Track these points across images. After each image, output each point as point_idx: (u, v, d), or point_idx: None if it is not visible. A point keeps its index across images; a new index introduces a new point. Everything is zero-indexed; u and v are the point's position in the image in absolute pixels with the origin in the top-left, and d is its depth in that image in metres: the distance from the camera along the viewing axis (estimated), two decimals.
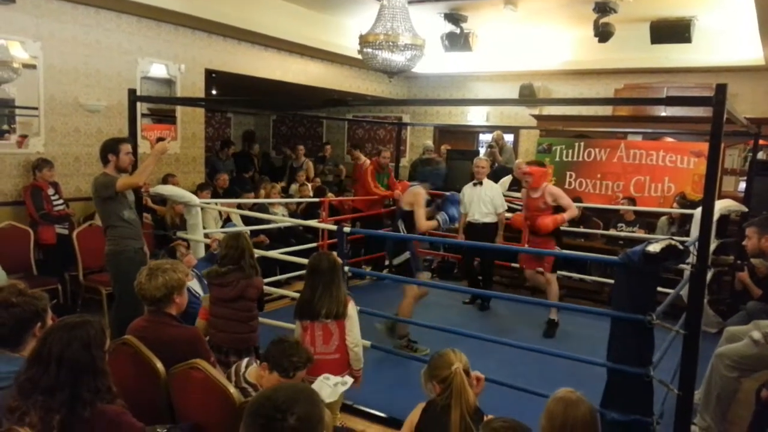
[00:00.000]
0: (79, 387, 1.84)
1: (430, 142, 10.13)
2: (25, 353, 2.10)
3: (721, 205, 4.83)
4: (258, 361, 2.67)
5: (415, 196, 4.60)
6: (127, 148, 4.15)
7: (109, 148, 4.11)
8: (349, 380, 2.36)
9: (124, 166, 4.14)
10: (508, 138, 9.97)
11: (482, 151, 9.90)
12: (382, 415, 3.59)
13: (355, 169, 9.55)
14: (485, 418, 2.11)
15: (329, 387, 2.21)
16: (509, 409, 2.66)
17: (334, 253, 3.27)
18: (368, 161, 7.63)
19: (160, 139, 7.11)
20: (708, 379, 3.45)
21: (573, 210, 5.20)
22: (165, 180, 6.43)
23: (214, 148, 9.93)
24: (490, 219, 5.93)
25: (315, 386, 2.31)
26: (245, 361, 2.69)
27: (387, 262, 5.46)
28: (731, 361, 3.32)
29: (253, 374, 2.55)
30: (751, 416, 3.24)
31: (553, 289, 5.25)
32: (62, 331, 1.90)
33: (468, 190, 6.02)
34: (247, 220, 6.23)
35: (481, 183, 5.97)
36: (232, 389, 2.36)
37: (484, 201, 5.92)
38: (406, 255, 4.64)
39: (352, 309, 3.12)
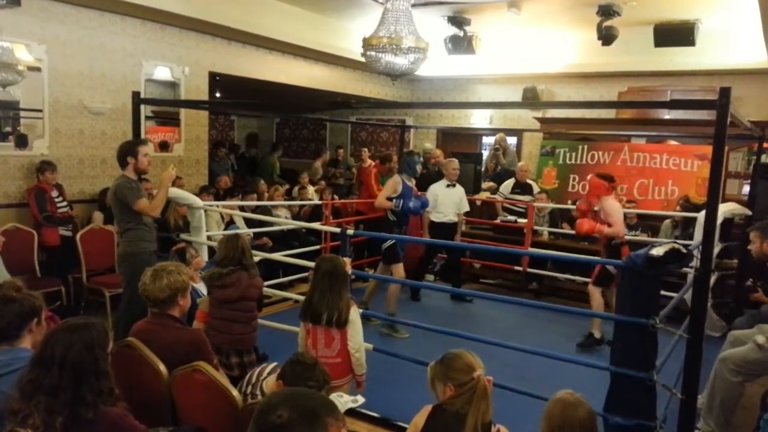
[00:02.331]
0: (81, 389, 1.85)
1: (429, 145, 10.08)
2: (20, 346, 2.17)
3: (724, 209, 4.80)
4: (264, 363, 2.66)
5: (388, 182, 5.47)
6: (145, 149, 4.19)
7: (128, 150, 4.13)
8: (361, 400, 2.32)
9: (143, 167, 4.18)
10: (512, 141, 9.95)
11: (485, 153, 9.88)
12: (382, 417, 3.57)
13: (360, 172, 9.51)
14: (494, 428, 2.04)
15: (340, 404, 2.20)
16: (512, 412, 2.66)
17: (346, 260, 3.23)
18: (372, 163, 7.62)
19: (163, 143, 7.19)
20: (712, 384, 3.44)
21: (615, 230, 4.72)
22: None
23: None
24: (455, 219, 6.34)
25: None
26: (271, 366, 2.63)
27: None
28: (735, 365, 3.31)
29: (270, 386, 2.50)
30: (756, 421, 3.22)
31: (594, 303, 4.92)
32: (65, 332, 1.91)
33: (441, 190, 6.23)
34: (250, 223, 6.24)
35: (454, 185, 6.26)
36: (234, 392, 2.36)
37: (455, 202, 6.28)
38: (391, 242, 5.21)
39: (355, 314, 3.07)
